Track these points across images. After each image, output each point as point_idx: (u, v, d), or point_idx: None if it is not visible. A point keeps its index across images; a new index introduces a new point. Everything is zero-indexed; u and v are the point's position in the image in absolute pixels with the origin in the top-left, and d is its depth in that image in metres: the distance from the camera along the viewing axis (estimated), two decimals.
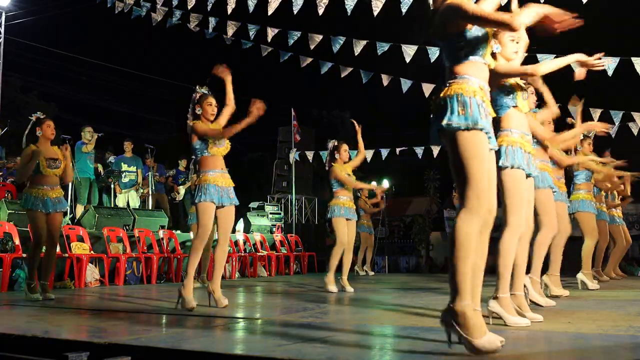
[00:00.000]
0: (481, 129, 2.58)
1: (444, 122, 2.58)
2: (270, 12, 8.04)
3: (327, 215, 6.38)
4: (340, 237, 6.20)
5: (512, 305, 3.41)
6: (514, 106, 3.66)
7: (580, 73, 3.58)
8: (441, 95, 2.67)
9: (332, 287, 6.11)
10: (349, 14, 7.61)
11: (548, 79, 3.98)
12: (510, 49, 3.55)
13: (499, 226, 3.32)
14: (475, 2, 2.71)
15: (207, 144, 4.58)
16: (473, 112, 2.57)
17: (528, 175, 3.65)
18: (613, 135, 10.18)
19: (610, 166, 7.17)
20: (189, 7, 8.90)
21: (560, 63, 3.51)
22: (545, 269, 4.99)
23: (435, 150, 11.10)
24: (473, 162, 2.56)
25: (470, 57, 2.69)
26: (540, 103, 4.70)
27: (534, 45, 3.71)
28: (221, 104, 4.77)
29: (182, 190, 10.70)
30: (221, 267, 4.69)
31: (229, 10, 8.46)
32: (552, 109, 4.72)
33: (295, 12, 7.92)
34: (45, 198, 5.40)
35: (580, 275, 6.11)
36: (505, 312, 3.34)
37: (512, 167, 3.49)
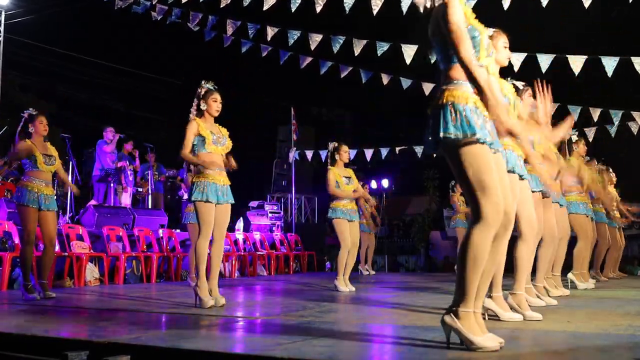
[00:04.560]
0: (478, 140, 2.50)
1: (441, 134, 2.51)
2: (265, 8, 8.02)
3: (328, 215, 6.36)
4: (343, 239, 6.18)
5: (505, 302, 3.53)
6: None
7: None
8: (435, 104, 2.60)
9: (343, 288, 6.13)
10: (347, 12, 7.60)
11: (546, 77, 3.98)
12: (504, 54, 3.56)
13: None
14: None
15: (205, 141, 4.58)
16: (468, 120, 2.50)
17: (521, 177, 3.67)
18: (613, 135, 10.19)
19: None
20: (185, 3, 8.89)
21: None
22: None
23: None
24: (484, 174, 2.50)
25: None
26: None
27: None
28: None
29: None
30: (218, 265, 4.68)
31: (223, 4, 8.44)
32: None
33: (293, 10, 7.92)
34: (40, 194, 5.40)
35: (570, 275, 6.13)
36: (499, 309, 3.47)
37: (508, 171, 3.50)
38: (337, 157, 6.34)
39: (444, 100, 2.56)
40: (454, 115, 2.52)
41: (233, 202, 4.74)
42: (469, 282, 2.49)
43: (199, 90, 4.68)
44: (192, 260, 7.05)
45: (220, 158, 4.69)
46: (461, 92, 2.56)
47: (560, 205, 5.33)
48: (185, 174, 7.88)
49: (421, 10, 2.75)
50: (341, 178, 6.29)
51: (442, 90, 2.60)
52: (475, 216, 2.53)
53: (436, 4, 2.67)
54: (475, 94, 2.56)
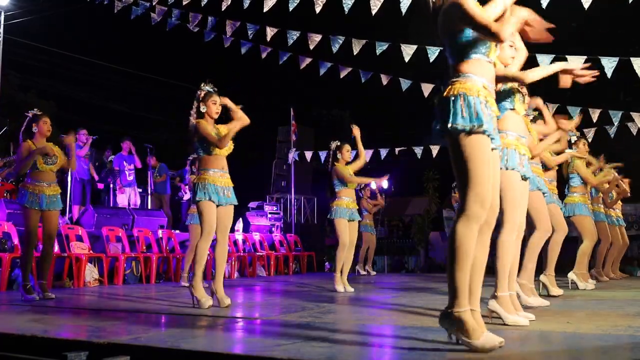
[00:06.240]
0: (484, 132, 2.54)
1: (449, 125, 2.53)
2: (266, 9, 8.03)
3: (329, 215, 6.38)
4: (342, 238, 6.21)
5: (510, 304, 3.44)
6: (511, 109, 3.70)
7: (564, 81, 3.50)
8: (444, 95, 2.62)
9: (340, 287, 6.15)
10: (346, 12, 7.60)
11: (545, 80, 3.99)
12: (508, 54, 3.58)
13: (496, 226, 3.34)
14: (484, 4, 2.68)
15: (209, 144, 4.59)
16: (477, 112, 2.53)
17: (523, 177, 3.67)
18: (612, 135, 10.20)
19: (605, 173, 7.19)
20: (185, 4, 8.90)
21: (547, 71, 3.38)
22: (540, 270, 5.00)
23: (435, 149, 11.10)
24: (477, 166, 2.53)
25: (474, 55, 2.65)
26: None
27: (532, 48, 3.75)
28: (225, 107, 4.77)
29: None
30: (222, 266, 4.69)
31: (224, 7, 8.44)
32: (550, 126, 4.70)
33: (290, 9, 7.92)
34: (41, 195, 5.39)
35: (571, 275, 6.09)
36: (504, 311, 3.37)
37: (506, 169, 3.51)
38: (339, 156, 6.36)
39: (455, 92, 2.58)
40: (464, 106, 2.54)
41: (236, 203, 4.75)
42: (458, 278, 2.48)
43: (198, 92, 4.70)
44: (188, 260, 7.05)
45: (224, 160, 4.70)
46: (472, 85, 2.59)
47: (556, 204, 5.37)
48: (188, 175, 7.88)
49: (430, 4, 2.75)
50: (347, 172, 6.33)
51: (452, 82, 2.63)
52: (460, 207, 2.56)
53: (445, 3, 2.68)
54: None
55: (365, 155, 6.66)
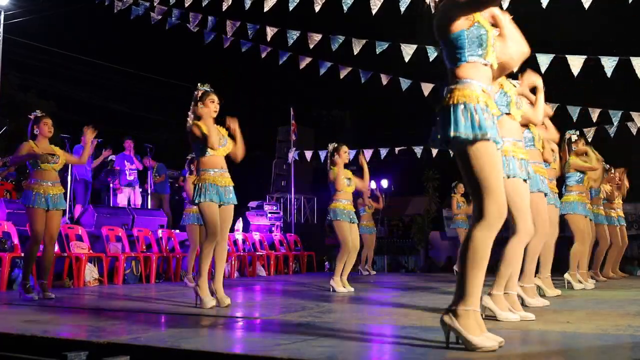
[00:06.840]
0: (489, 139, 2.53)
1: (452, 133, 2.52)
2: (266, 9, 8.04)
3: (327, 217, 6.34)
4: (345, 241, 6.13)
5: (504, 302, 3.51)
6: (507, 113, 3.71)
7: None
8: (445, 103, 2.60)
9: (340, 288, 6.10)
10: (345, 12, 7.60)
11: (545, 80, 4.00)
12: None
13: (509, 232, 3.43)
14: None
15: (207, 144, 4.58)
16: (480, 120, 2.52)
17: (524, 180, 3.68)
18: (612, 135, 10.19)
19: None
20: (187, 4, 8.90)
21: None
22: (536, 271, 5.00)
23: (435, 149, 11.10)
24: (491, 174, 2.52)
25: (470, 58, 2.64)
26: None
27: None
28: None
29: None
30: (222, 266, 4.68)
31: (224, 7, 8.45)
32: (538, 111, 4.68)
33: (290, 9, 7.92)
34: (47, 195, 5.40)
35: (566, 276, 6.06)
36: (497, 308, 3.45)
37: (508, 177, 3.53)
38: (336, 157, 6.31)
39: (455, 100, 2.57)
40: (465, 114, 2.53)
41: (236, 203, 4.75)
42: (469, 280, 2.49)
43: (196, 93, 4.69)
44: (190, 261, 7.05)
45: (222, 159, 4.70)
46: (471, 91, 2.58)
47: (556, 206, 5.36)
48: (187, 175, 7.87)
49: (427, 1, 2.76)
50: (343, 179, 6.28)
51: (452, 90, 2.61)
52: (478, 215, 2.56)
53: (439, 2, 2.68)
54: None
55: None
